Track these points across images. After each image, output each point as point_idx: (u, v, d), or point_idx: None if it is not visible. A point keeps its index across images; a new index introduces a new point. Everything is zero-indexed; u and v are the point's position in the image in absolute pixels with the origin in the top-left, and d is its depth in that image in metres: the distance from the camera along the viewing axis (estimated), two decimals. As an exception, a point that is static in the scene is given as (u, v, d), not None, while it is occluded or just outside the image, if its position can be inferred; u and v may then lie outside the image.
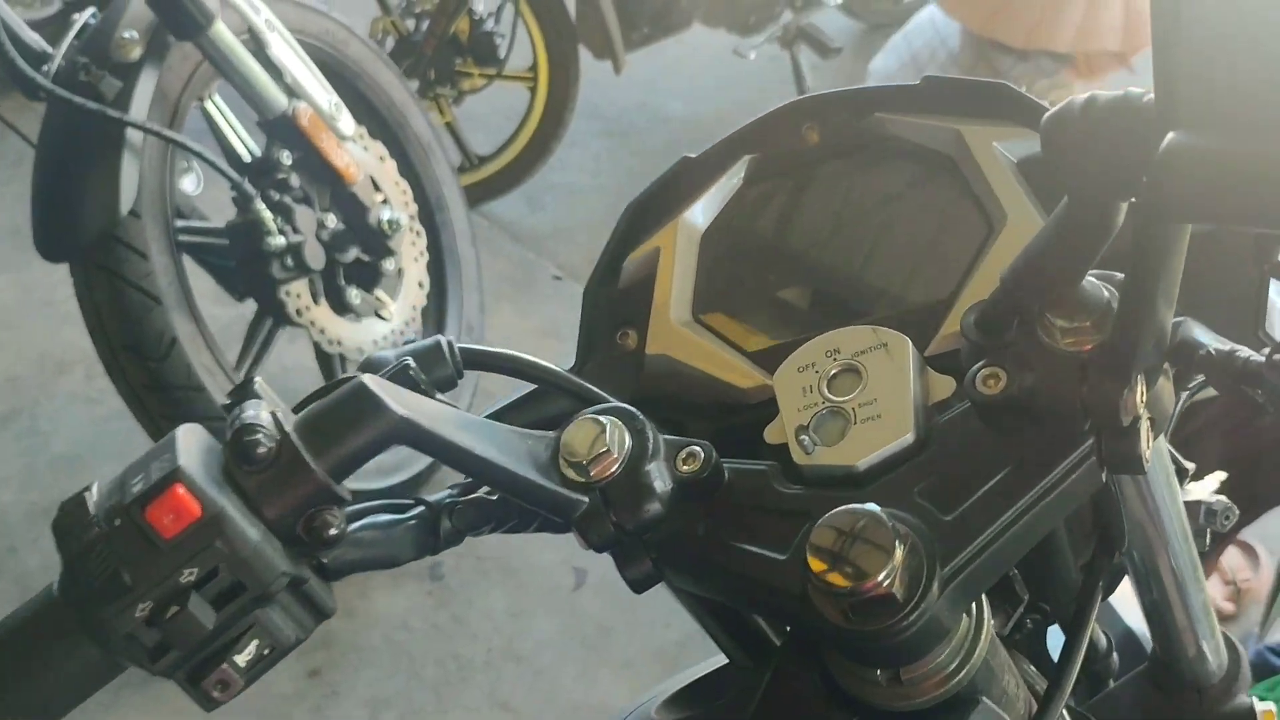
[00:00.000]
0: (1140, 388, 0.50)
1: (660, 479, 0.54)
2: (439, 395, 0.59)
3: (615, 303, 0.66)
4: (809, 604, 0.49)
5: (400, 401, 0.50)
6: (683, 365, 0.62)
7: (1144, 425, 0.50)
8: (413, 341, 0.66)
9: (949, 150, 0.63)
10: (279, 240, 1.83)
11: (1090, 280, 0.51)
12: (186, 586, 0.46)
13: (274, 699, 1.85)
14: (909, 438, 0.52)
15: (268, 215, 1.82)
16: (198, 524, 0.46)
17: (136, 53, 1.70)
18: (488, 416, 0.66)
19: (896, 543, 0.48)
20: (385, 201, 2.03)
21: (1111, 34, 2.52)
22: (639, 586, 0.55)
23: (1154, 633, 0.74)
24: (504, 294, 2.52)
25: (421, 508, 0.58)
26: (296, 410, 0.51)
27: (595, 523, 0.53)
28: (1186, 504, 0.69)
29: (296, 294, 1.89)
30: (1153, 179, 0.42)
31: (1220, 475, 0.74)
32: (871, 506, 0.49)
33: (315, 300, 1.93)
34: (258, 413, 0.49)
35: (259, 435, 0.48)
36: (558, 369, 0.62)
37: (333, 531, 0.49)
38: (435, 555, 0.58)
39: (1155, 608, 0.72)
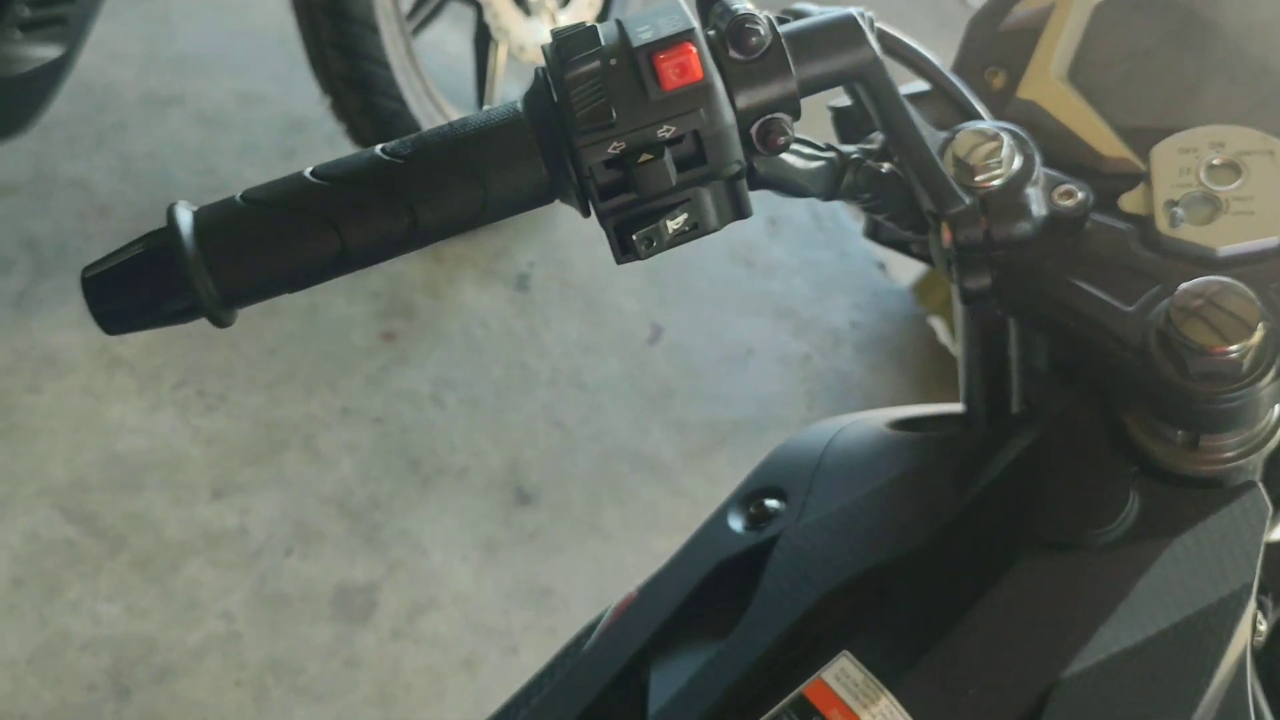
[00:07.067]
0: None
1: (1037, 204, 0.59)
2: None
3: (994, 40, 0.67)
4: (1147, 356, 0.54)
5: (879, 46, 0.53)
6: (1048, 117, 0.64)
7: None
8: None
9: None
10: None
11: None
12: (661, 141, 0.49)
13: (346, 347, 1.94)
14: (1275, 240, 0.56)
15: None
16: (693, 86, 0.49)
17: None
18: None
19: (1261, 324, 0.53)
20: None
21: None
22: (971, 298, 0.60)
23: None
24: None
25: (833, 154, 0.60)
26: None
27: (968, 224, 0.57)
28: None
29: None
30: None
31: None
32: (1243, 286, 0.54)
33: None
34: (748, 8, 0.51)
35: (757, 27, 0.50)
36: (959, 81, 0.63)
37: (781, 140, 0.51)
38: (828, 202, 0.61)
39: None
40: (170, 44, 2.34)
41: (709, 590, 0.67)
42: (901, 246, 0.73)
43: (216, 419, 1.83)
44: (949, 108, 0.63)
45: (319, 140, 2.19)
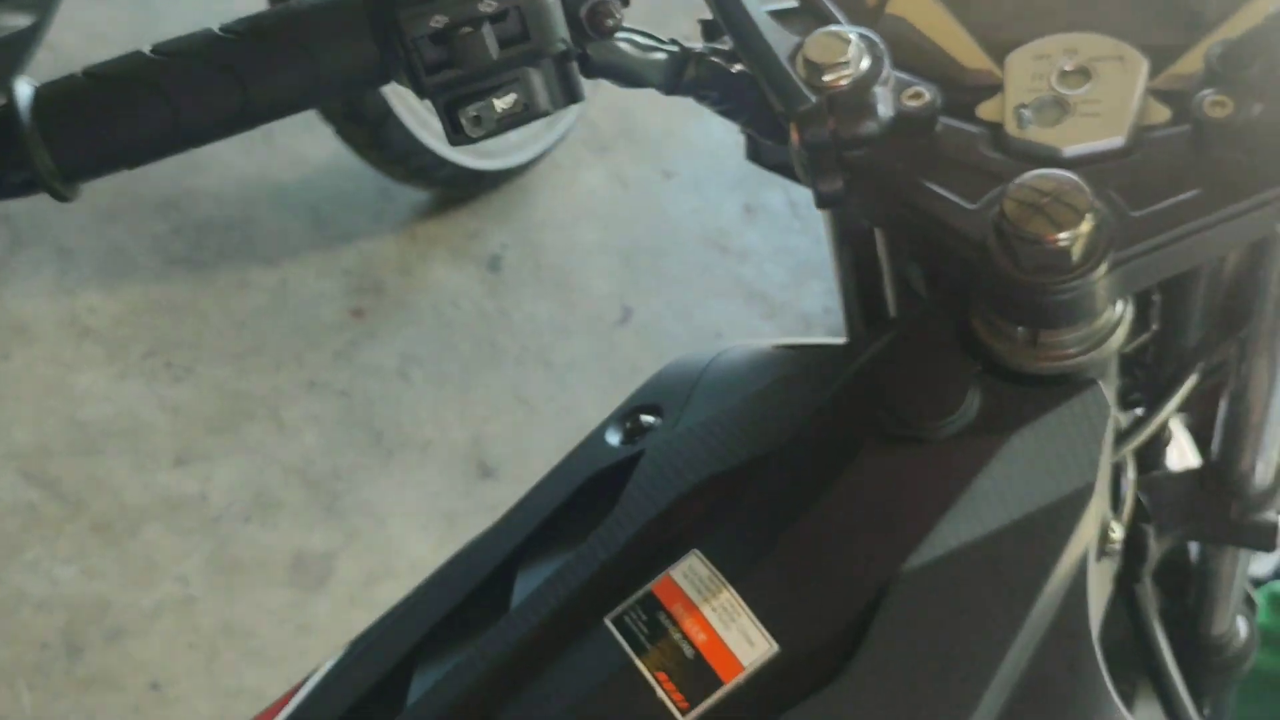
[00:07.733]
0: None
1: (884, 104, 0.59)
2: None
3: None
4: (985, 251, 0.55)
5: None
6: (915, 32, 0.65)
7: None
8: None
9: None
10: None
11: None
12: (483, 16, 0.50)
13: (315, 322, 1.96)
14: (1119, 141, 0.57)
15: None
16: None
17: None
18: None
19: (1090, 213, 0.53)
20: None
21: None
22: (825, 202, 0.61)
23: (1224, 431, 0.74)
24: None
25: (675, 47, 0.61)
26: None
27: (815, 123, 0.58)
28: None
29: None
30: None
31: None
32: (1074, 176, 0.54)
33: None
34: None
35: None
36: None
37: (610, 23, 0.53)
38: (669, 96, 0.62)
39: (1236, 401, 0.72)
40: (152, 26, 2.36)
41: (581, 501, 0.68)
42: (785, 170, 0.74)
43: (183, 389, 1.84)
44: (817, 23, 0.64)
45: (297, 122, 2.21)
